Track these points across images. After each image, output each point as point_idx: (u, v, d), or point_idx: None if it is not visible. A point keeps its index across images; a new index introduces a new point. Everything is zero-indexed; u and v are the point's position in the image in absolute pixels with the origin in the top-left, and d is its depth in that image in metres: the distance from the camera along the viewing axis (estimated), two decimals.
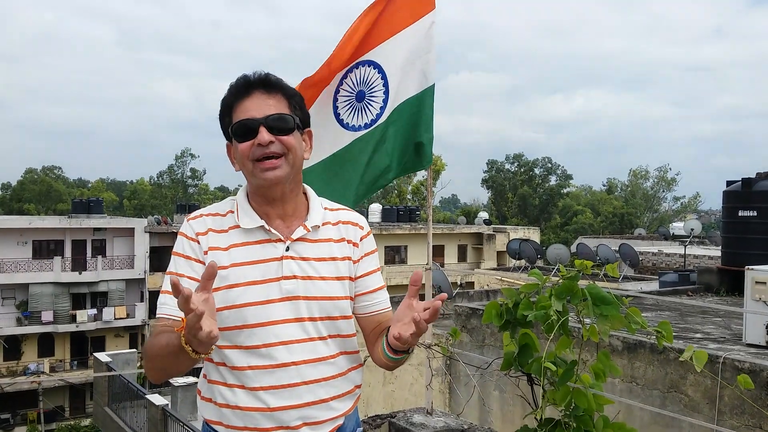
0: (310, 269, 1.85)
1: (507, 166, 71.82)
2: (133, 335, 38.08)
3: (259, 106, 1.82)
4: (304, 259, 1.85)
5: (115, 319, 36.65)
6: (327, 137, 3.70)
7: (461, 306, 8.43)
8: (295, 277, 1.83)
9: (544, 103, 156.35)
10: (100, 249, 38.35)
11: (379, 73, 3.74)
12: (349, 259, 1.93)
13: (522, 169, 70.51)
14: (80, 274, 36.47)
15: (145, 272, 38.47)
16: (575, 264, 2.81)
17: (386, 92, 3.76)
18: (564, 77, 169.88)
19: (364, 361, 2.06)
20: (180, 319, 1.58)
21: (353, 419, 1.96)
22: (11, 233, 35.64)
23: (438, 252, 38.33)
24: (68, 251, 37.33)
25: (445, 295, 1.77)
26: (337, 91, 3.73)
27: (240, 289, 1.79)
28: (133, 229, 38.86)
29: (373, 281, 1.99)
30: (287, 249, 1.85)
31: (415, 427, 3.58)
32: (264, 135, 1.79)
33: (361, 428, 2.05)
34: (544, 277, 2.74)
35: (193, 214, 1.92)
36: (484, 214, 51.17)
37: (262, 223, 1.85)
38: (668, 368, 5.71)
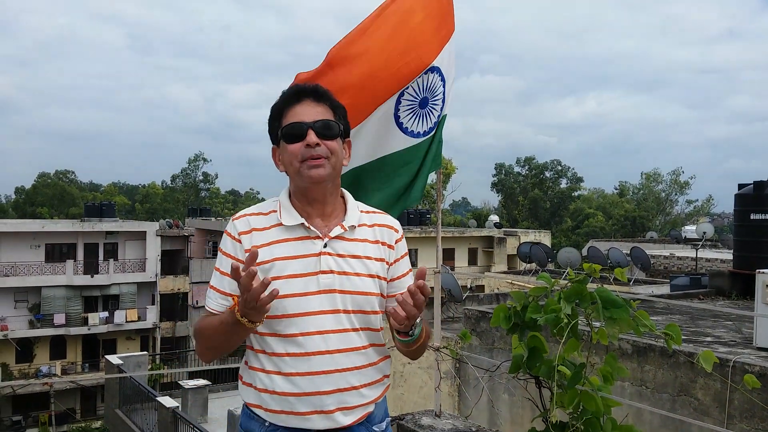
0: (345, 265, 1.99)
1: (517, 169, 71.68)
2: (145, 338, 38.24)
3: (309, 112, 2.01)
4: (340, 255, 2.00)
5: (127, 321, 36.83)
6: (385, 136, 3.62)
7: (471, 309, 8.43)
8: (332, 271, 1.98)
9: (556, 105, 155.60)
10: (112, 252, 38.57)
11: (441, 79, 3.67)
12: (383, 260, 2.08)
13: (533, 172, 70.35)
14: (92, 277, 36.70)
15: (156, 275, 38.66)
16: (584, 267, 2.82)
17: (443, 100, 3.72)
18: (576, 80, 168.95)
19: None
20: (218, 312, 1.96)
21: (382, 407, 2.10)
22: (24, 237, 35.92)
23: (448, 255, 38.28)
24: (80, 255, 37.57)
25: (424, 269, 1.90)
26: (401, 94, 3.59)
27: (281, 281, 1.93)
28: (145, 232, 39.07)
29: (407, 282, 2.12)
30: (325, 246, 2.00)
31: (424, 429, 3.59)
32: (312, 137, 1.96)
33: (389, 418, 2.17)
34: (553, 280, 2.75)
35: (237, 214, 2.09)
36: (494, 218, 51.09)
37: (303, 220, 2.01)
38: (678, 372, 5.69)
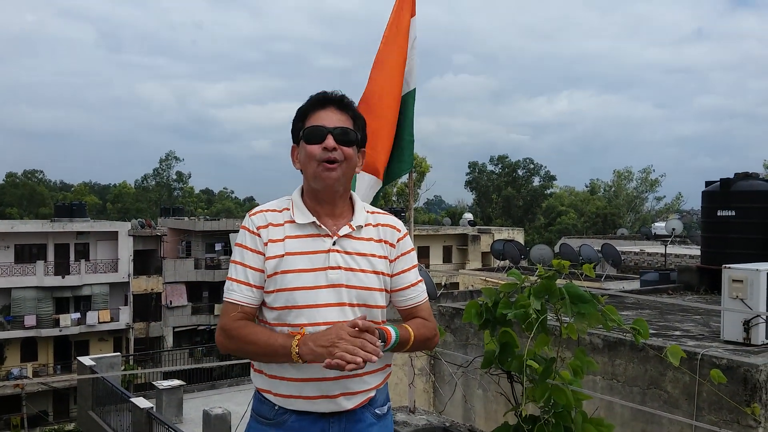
0: (352, 262, 2.15)
1: (490, 167, 72.05)
2: (118, 339, 37.81)
3: (331, 119, 2.16)
4: (348, 253, 2.15)
5: (99, 323, 36.40)
6: None
7: (445, 306, 8.50)
8: (339, 267, 2.12)
9: (528, 105, 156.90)
10: (83, 253, 38.09)
11: None
12: (386, 258, 2.22)
13: (505, 171, 70.76)
14: (63, 278, 36.22)
15: (129, 276, 38.24)
16: (553, 264, 2.88)
17: None
18: (548, 79, 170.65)
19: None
20: (247, 305, 2.10)
21: (384, 392, 2.26)
22: None
23: (423, 253, 38.42)
24: (51, 255, 37.04)
25: (355, 322, 2.03)
26: None
27: (292, 275, 2.10)
28: (117, 232, 38.64)
29: (408, 278, 2.27)
30: (334, 243, 2.15)
31: (398, 425, 3.64)
32: (330, 141, 2.12)
33: (390, 402, 2.31)
34: (523, 276, 2.81)
35: (253, 211, 2.23)
36: (468, 216, 51.36)
37: (314, 219, 2.16)
38: (648, 365, 5.81)
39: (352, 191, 2.29)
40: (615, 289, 12.41)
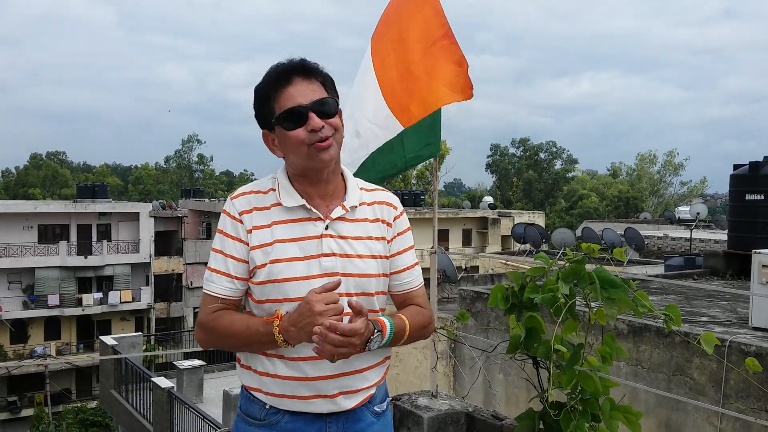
0: (347, 247, 1.94)
1: (512, 150, 71.61)
2: (139, 319, 38.27)
3: (304, 93, 1.89)
4: (342, 237, 1.95)
5: (121, 302, 36.83)
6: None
7: (466, 290, 8.43)
8: (334, 254, 1.92)
9: (551, 86, 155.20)
10: (105, 233, 38.47)
11: None
12: (384, 238, 2.03)
13: (527, 153, 70.30)
14: (86, 258, 36.64)
15: (150, 256, 38.61)
16: (582, 248, 2.79)
17: None
18: (571, 60, 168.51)
19: None
20: (227, 297, 1.91)
21: (383, 388, 2.09)
22: (17, 218, 35.78)
23: (443, 236, 38.31)
24: (74, 236, 37.46)
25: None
26: None
27: (282, 264, 1.89)
28: (138, 213, 38.97)
29: (404, 260, 2.09)
30: (326, 227, 1.94)
31: (420, 409, 3.57)
32: (316, 120, 1.87)
33: (390, 398, 2.16)
34: (550, 260, 2.72)
35: (235, 193, 2.01)
36: (488, 199, 51.10)
37: (303, 202, 1.94)
38: (674, 351, 5.70)
39: (343, 167, 2.07)
40: (639, 274, 12.26)
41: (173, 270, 39.99)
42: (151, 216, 39.19)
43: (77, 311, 35.75)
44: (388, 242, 2.04)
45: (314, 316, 1.74)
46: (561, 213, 63.42)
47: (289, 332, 1.79)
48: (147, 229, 38.75)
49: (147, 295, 38.06)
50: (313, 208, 1.95)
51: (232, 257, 1.93)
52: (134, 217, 38.89)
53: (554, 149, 71.33)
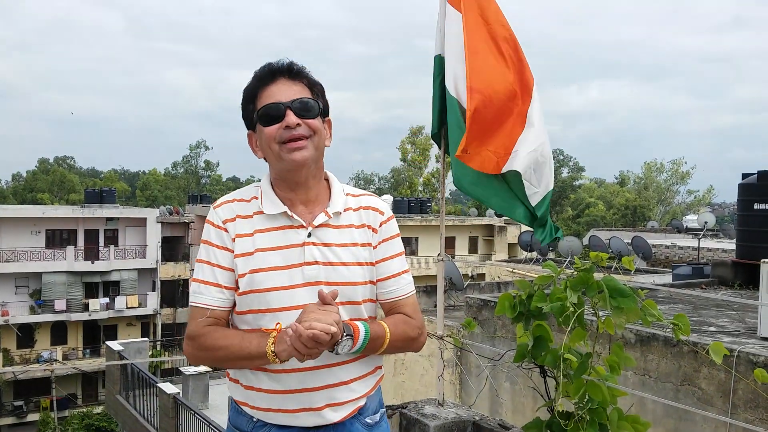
0: (331, 255, 1.89)
1: None
2: (145, 324, 38.32)
3: (285, 92, 1.88)
4: (325, 245, 1.90)
5: (127, 308, 36.87)
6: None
7: (472, 298, 8.41)
8: (317, 262, 1.87)
9: (559, 93, 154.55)
10: (112, 239, 38.58)
11: None
12: (369, 245, 1.96)
13: None
14: (93, 263, 36.71)
15: (157, 262, 38.67)
16: (590, 256, 2.78)
17: None
18: (579, 67, 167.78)
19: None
20: (217, 308, 1.85)
21: (376, 399, 2.01)
22: (25, 222, 35.91)
23: (449, 244, 38.27)
24: (81, 241, 37.58)
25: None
26: None
27: (264, 274, 1.85)
28: (146, 219, 39.06)
29: (390, 267, 2.00)
30: (309, 235, 1.89)
31: (426, 417, 3.56)
32: (291, 117, 1.84)
33: (384, 409, 2.07)
34: (558, 269, 2.71)
35: (218, 202, 1.97)
36: None
37: (285, 209, 1.90)
38: (682, 361, 5.67)
39: (328, 171, 2.02)
40: (647, 283, 12.20)
41: (180, 276, 40.06)
42: (158, 221, 39.29)
43: (84, 316, 35.79)
44: (373, 248, 1.97)
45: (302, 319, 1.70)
46: (568, 221, 63.31)
47: (283, 342, 1.72)
48: (154, 235, 38.84)
49: (153, 301, 38.10)
50: (295, 215, 1.90)
51: (220, 266, 1.88)
52: (141, 222, 39.00)
53: (561, 157, 71.27)
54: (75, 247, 36.81)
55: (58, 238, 37.26)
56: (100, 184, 64.31)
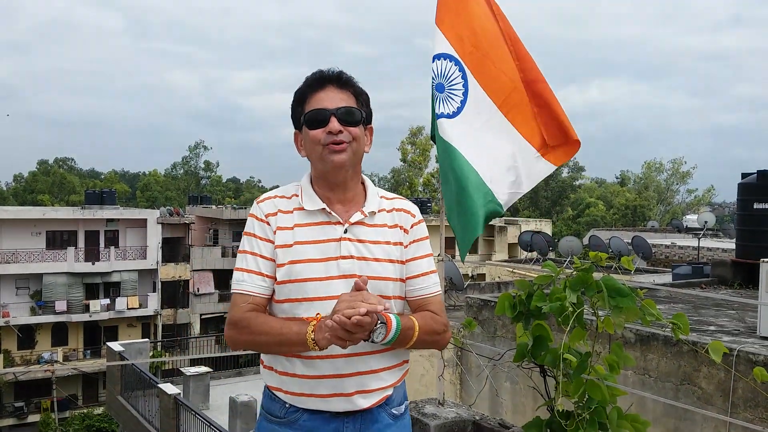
0: (365, 251, 2.03)
1: None
2: (146, 325, 38.31)
3: (332, 99, 2.03)
4: (360, 241, 2.04)
5: (128, 309, 36.88)
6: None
7: (473, 298, 8.42)
8: (351, 257, 2.01)
9: (559, 93, 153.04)
10: (112, 240, 38.58)
11: (455, 64, 3.83)
12: (401, 244, 2.11)
13: None
14: (93, 264, 36.73)
15: (157, 263, 38.66)
16: (589, 256, 2.79)
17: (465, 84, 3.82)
18: (579, 67, 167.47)
19: None
20: (259, 295, 1.99)
21: (401, 391, 2.14)
22: (25, 224, 35.91)
23: (449, 244, 38.23)
24: (81, 242, 37.58)
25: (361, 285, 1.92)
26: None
27: (302, 265, 1.99)
28: (146, 220, 39.06)
29: (420, 266, 2.14)
30: (345, 231, 2.03)
31: (427, 417, 3.57)
32: (335, 124, 2.00)
33: (408, 401, 2.19)
34: (558, 269, 2.72)
35: (261, 197, 2.13)
36: None
37: (324, 205, 2.05)
38: (681, 360, 5.68)
39: (365, 175, 2.17)
40: (647, 283, 12.22)
41: (180, 276, 40.05)
42: (158, 222, 39.28)
43: (84, 317, 35.80)
44: (404, 247, 2.11)
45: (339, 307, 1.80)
46: (568, 221, 63.28)
47: (322, 330, 1.83)
48: (154, 236, 38.83)
49: (154, 302, 38.10)
50: (332, 212, 2.04)
51: (262, 256, 2.02)
52: (142, 223, 38.99)
53: None
54: (75, 249, 36.81)
55: (58, 239, 37.26)
56: (100, 186, 64.29)
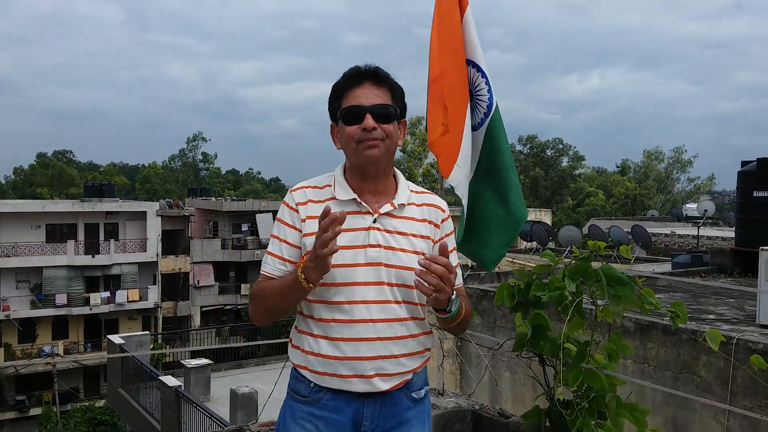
0: (392, 241, 2.11)
1: (519, 147, 71.40)
2: (146, 318, 38.38)
3: (368, 96, 2.10)
4: (388, 231, 2.12)
5: (128, 301, 36.95)
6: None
7: (472, 288, 8.42)
8: (379, 245, 2.09)
9: (559, 82, 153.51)
10: (112, 232, 38.61)
11: (477, 70, 3.87)
12: (429, 238, 2.18)
13: (534, 151, 70.07)
14: (93, 257, 36.77)
15: (157, 255, 38.70)
16: (588, 245, 2.79)
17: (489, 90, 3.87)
18: (580, 55, 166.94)
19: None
20: (276, 276, 2.10)
21: (422, 377, 2.21)
22: (25, 217, 35.94)
23: None
24: (81, 235, 37.61)
25: (445, 243, 2.11)
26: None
27: None
28: (145, 212, 39.08)
29: (450, 259, 2.17)
30: (375, 221, 2.11)
31: None
32: (369, 121, 2.07)
33: (428, 386, 2.26)
34: (557, 258, 2.72)
35: (295, 186, 2.22)
36: None
37: (355, 196, 2.13)
38: (681, 349, 5.69)
39: (395, 169, 2.25)
40: (646, 271, 12.23)
41: (180, 269, 40.10)
42: (158, 215, 39.30)
43: (85, 310, 35.88)
44: (434, 242, 2.18)
45: (318, 246, 1.88)
46: (568, 210, 63.26)
47: (307, 267, 1.93)
48: (154, 228, 38.85)
49: (154, 294, 38.16)
50: (363, 203, 2.12)
51: (286, 242, 2.13)
52: (141, 216, 39.00)
53: (560, 146, 71.06)
54: (75, 242, 36.84)
55: (58, 232, 37.28)
56: (100, 178, 64.17)
